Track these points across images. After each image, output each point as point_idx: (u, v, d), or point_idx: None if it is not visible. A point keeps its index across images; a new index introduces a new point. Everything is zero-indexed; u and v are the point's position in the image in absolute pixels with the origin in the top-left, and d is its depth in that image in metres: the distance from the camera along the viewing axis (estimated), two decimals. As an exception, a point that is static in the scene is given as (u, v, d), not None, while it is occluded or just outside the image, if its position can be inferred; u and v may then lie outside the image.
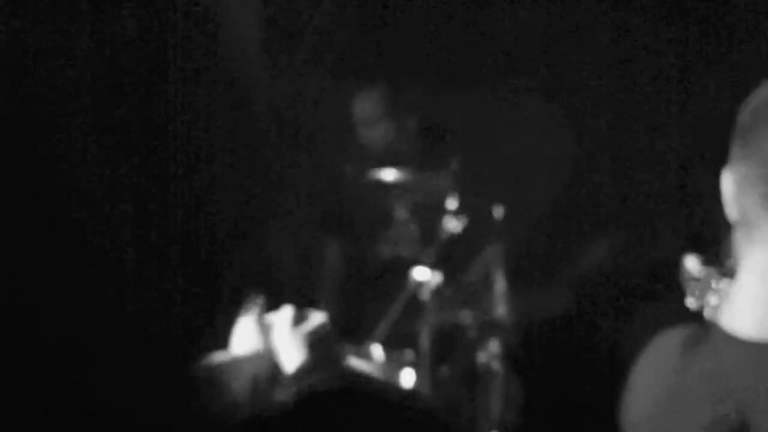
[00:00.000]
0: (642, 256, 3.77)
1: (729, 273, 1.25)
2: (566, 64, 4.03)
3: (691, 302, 2.09)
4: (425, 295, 3.18)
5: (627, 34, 4.00)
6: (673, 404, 1.18)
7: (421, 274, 3.18)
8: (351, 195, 3.58)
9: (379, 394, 0.78)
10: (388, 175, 3.39)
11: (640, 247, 3.85)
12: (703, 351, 1.17)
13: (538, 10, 3.97)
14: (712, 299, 2.04)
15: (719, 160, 1.24)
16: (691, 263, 2.03)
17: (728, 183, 1.19)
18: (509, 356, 3.23)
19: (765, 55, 3.72)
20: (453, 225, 3.24)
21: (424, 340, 3.18)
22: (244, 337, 1.43)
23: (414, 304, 3.18)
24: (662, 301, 2.68)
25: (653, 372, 1.24)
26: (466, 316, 3.28)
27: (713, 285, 1.99)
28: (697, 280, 2.03)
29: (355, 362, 3.00)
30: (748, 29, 3.84)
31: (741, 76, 3.77)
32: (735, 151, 1.19)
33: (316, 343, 1.41)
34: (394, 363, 3.04)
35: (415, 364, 3.10)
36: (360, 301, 3.54)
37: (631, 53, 4.01)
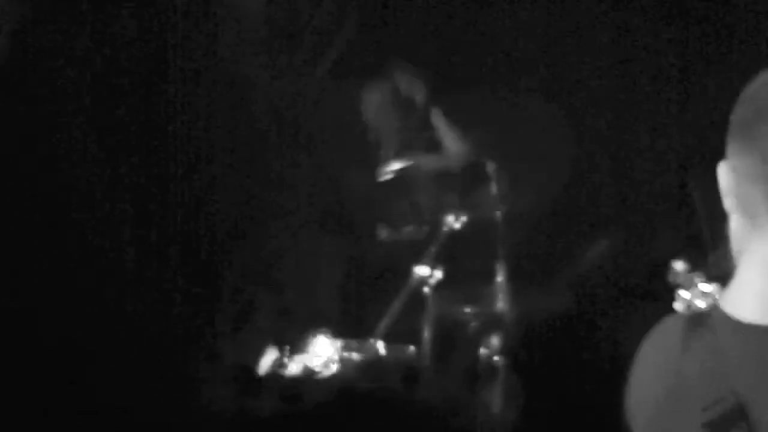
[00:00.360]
0: (642, 256, 3.78)
1: (717, 277, 1.27)
2: (566, 64, 4.03)
3: (679, 306, 2.10)
4: (427, 291, 3.19)
5: (627, 34, 4.00)
6: (674, 389, 1.19)
7: (423, 271, 3.18)
8: (351, 193, 3.58)
9: (380, 395, 0.79)
10: (391, 170, 3.39)
11: (640, 247, 3.85)
12: (705, 335, 1.18)
13: (538, 11, 3.97)
14: (701, 303, 2.05)
15: (719, 160, 1.25)
16: (680, 267, 2.04)
17: (725, 176, 1.19)
18: (510, 354, 3.23)
19: (765, 55, 3.72)
20: (455, 222, 3.25)
21: (426, 336, 3.19)
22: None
23: (416, 301, 3.18)
24: (662, 301, 2.68)
25: (655, 357, 1.25)
26: (467, 313, 3.29)
27: (701, 289, 2.00)
28: (686, 284, 2.04)
29: (357, 359, 3.01)
30: (748, 29, 3.84)
31: (741, 76, 3.77)
32: (733, 144, 1.19)
33: None
34: (396, 359, 3.04)
35: (416, 361, 3.10)
36: (361, 298, 3.54)
37: (631, 53, 4.01)
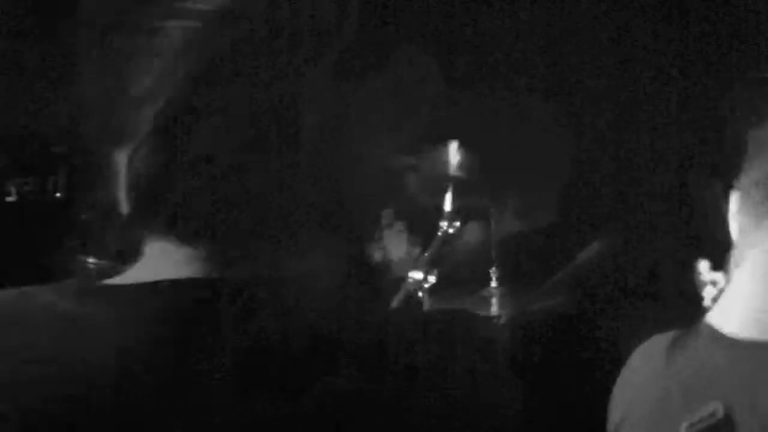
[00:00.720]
0: (642, 256, 3.77)
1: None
2: (566, 64, 4.03)
3: (707, 306, 2.11)
4: (422, 294, 3.19)
5: (627, 34, 4.00)
6: (658, 405, 1.19)
7: (418, 274, 3.18)
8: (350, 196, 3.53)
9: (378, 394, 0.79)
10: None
11: (640, 247, 3.85)
12: (690, 349, 1.18)
13: (538, 10, 3.97)
14: None
15: (718, 159, 1.25)
16: (703, 268, 2.04)
17: (733, 201, 1.22)
18: (507, 355, 3.22)
19: (765, 55, 3.71)
20: (450, 225, 3.24)
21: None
22: None
23: (411, 304, 3.18)
24: (662, 302, 2.68)
25: (639, 373, 1.25)
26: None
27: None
28: (710, 284, 2.05)
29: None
30: (748, 29, 3.84)
31: (741, 76, 3.77)
32: (748, 163, 1.21)
33: None
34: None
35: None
36: (360, 300, 3.53)
37: (631, 53, 4.01)
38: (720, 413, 1.09)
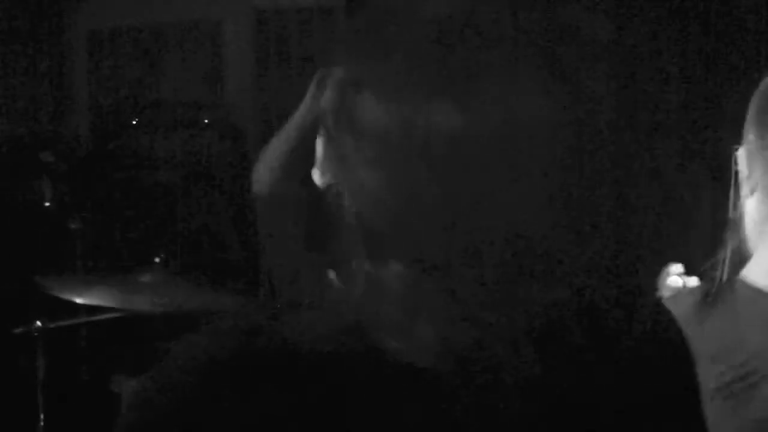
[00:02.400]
0: (642, 257, 3.76)
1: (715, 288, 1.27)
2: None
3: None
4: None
5: (627, 34, 3.99)
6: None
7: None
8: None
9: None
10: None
11: (639, 247, 3.84)
12: (722, 305, 1.19)
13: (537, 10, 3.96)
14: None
15: (715, 161, 1.26)
16: (675, 271, 2.03)
17: (744, 160, 1.22)
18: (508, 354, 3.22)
19: (765, 55, 3.72)
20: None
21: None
22: None
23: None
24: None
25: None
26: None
27: (673, 283, 2.00)
28: (662, 277, 2.04)
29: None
30: (748, 29, 3.84)
31: (741, 76, 3.77)
32: (753, 130, 1.21)
33: None
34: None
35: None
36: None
37: (632, 53, 4.01)
38: (749, 365, 1.10)
